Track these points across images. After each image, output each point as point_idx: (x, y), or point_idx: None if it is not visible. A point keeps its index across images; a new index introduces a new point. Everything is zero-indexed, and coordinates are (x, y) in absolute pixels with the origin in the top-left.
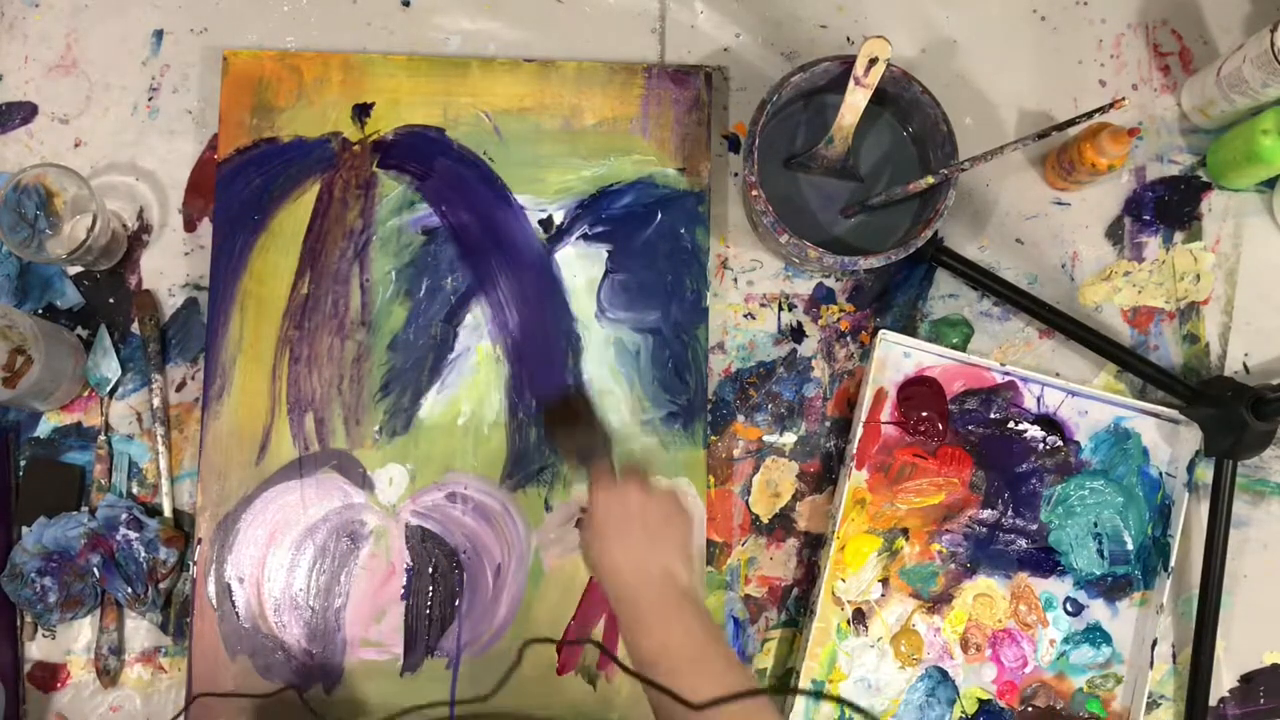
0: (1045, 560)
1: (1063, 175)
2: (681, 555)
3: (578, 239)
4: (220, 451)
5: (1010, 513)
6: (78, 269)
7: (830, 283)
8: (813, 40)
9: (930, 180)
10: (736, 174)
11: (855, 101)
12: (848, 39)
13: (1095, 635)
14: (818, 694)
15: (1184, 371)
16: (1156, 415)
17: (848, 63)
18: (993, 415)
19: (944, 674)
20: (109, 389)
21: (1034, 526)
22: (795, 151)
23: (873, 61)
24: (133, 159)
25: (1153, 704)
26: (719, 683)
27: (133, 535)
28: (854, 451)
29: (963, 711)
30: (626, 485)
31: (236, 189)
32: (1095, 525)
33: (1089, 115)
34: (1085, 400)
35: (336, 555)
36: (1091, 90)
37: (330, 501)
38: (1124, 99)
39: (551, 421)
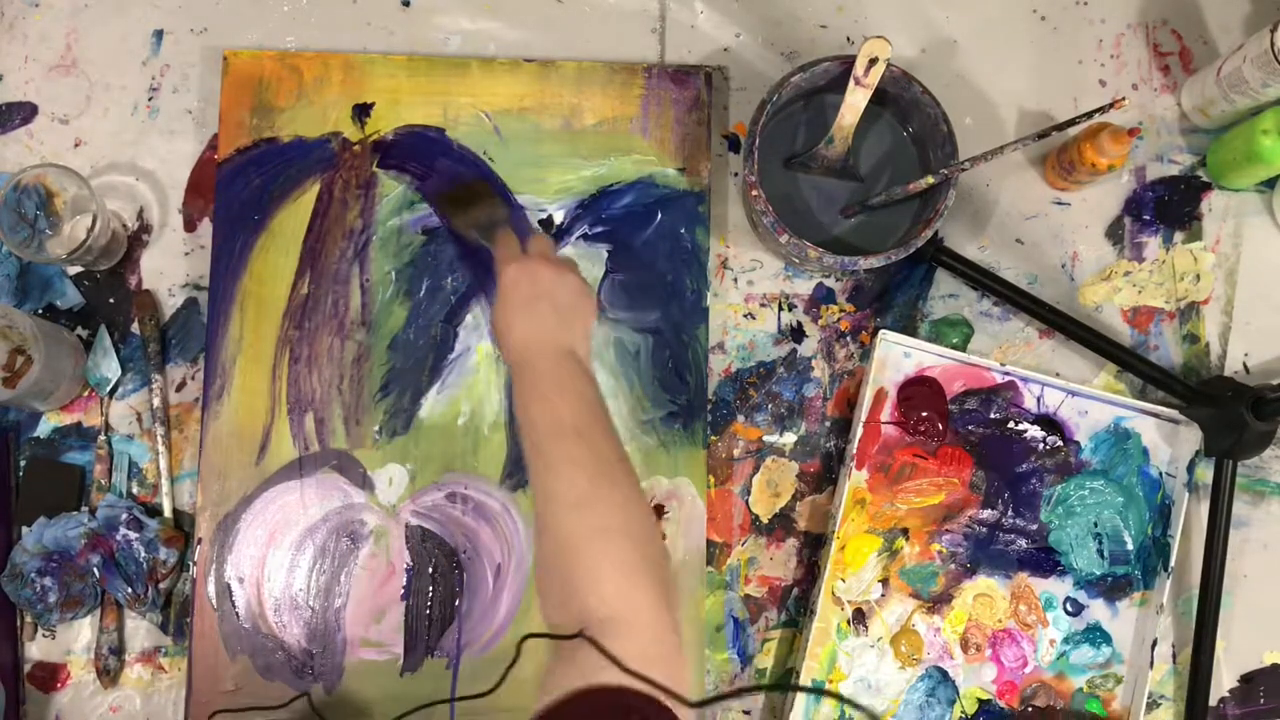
0: (1045, 560)
1: (1063, 175)
2: (584, 336)
3: (578, 239)
4: (220, 451)
5: (1010, 513)
6: (78, 269)
7: (830, 283)
8: (813, 40)
9: (930, 180)
10: (736, 174)
11: (855, 101)
12: (848, 39)
13: (1095, 635)
14: (818, 690)
15: (1184, 371)
16: (1156, 415)
17: (848, 63)
18: (993, 415)
19: (944, 674)
20: (109, 389)
21: (1034, 526)
22: (795, 151)
23: (873, 61)
24: (133, 159)
25: (1153, 704)
26: (600, 457)
27: (133, 535)
28: (854, 451)
29: (963, 711)
30: (536, 261)
31: (236, 189)
32: (1095, 525)
33: (1089, 115)
34: (1085, 400)
35: (336, 555)
36: (1091, 90)
37: (330, 501)
38: (1124, 99)
39: (450, 205)
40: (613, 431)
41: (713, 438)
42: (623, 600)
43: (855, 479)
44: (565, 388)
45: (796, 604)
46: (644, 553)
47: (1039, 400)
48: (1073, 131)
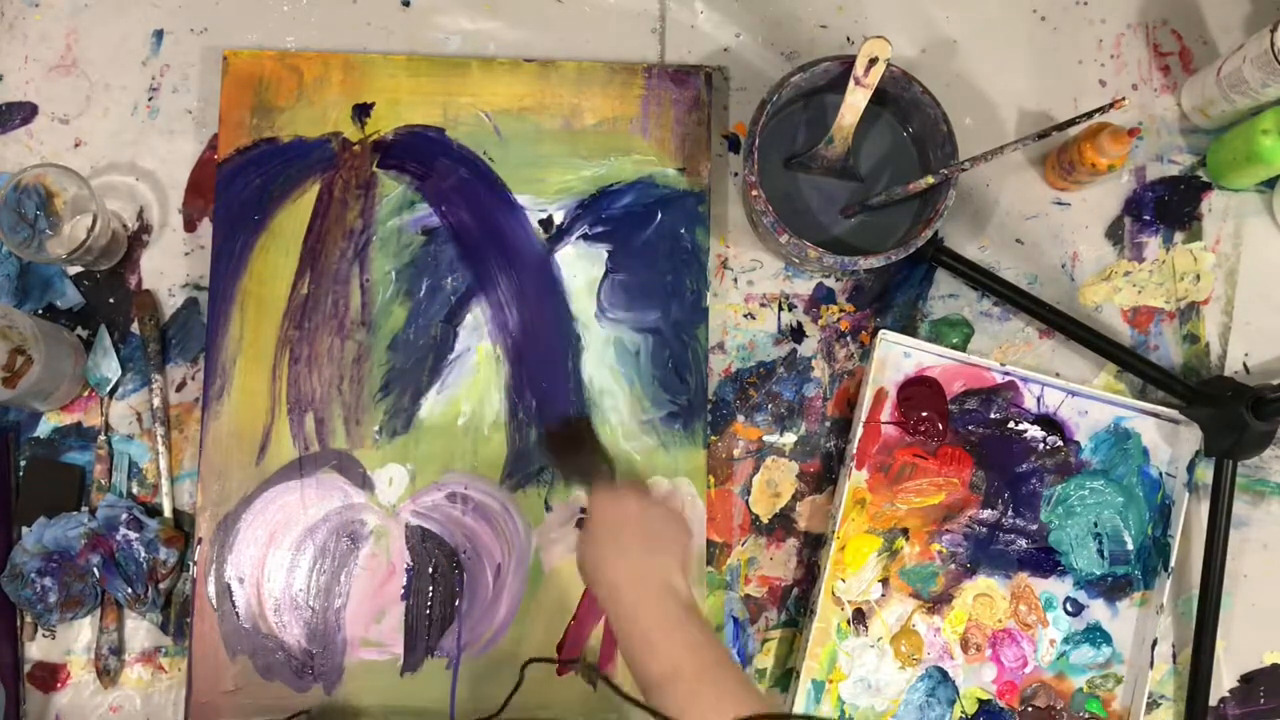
0: (1045, 560)
1: (1063, 175)
2: (680, 566)
3: (578, 239)
4: (220, 451)
5: (1010, 513)
6: (78, 269)
7: (830, 283)
8: (813, 40)
9: (930, 180)
10: (736, 174)
11: (855, 101)
12: (848, 39)
13: (1095, 635)
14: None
15: (1184, 371)
16: (1156, 415)
17: (848, 63)
18: (993, 415)
19: (944, 674)
20: (109, 389)
21: (1034, 526)
22: (795, 151)
23: (873, 61)
24: (133, 159)
25: (1153, 704)
26: (737, 702)
27: (133, 535)
28: (854, 451)
29: (963, 711)
30: (624, 493)
31: (236, 189)
32: (1095, 525)
33: (1089, 115)
34: (1085, 400)
35: (336, 555)
36: (1091, 90)
37: (330, 501)
38: (1124, 99)
39: (554, 446)
40: (743, 675)
41: (713, 438)
42: None
43: (855, 479)
44: (675, 639)
45: (796, 604)
46: None
47: (1039, 400)
48: (1073, 131)
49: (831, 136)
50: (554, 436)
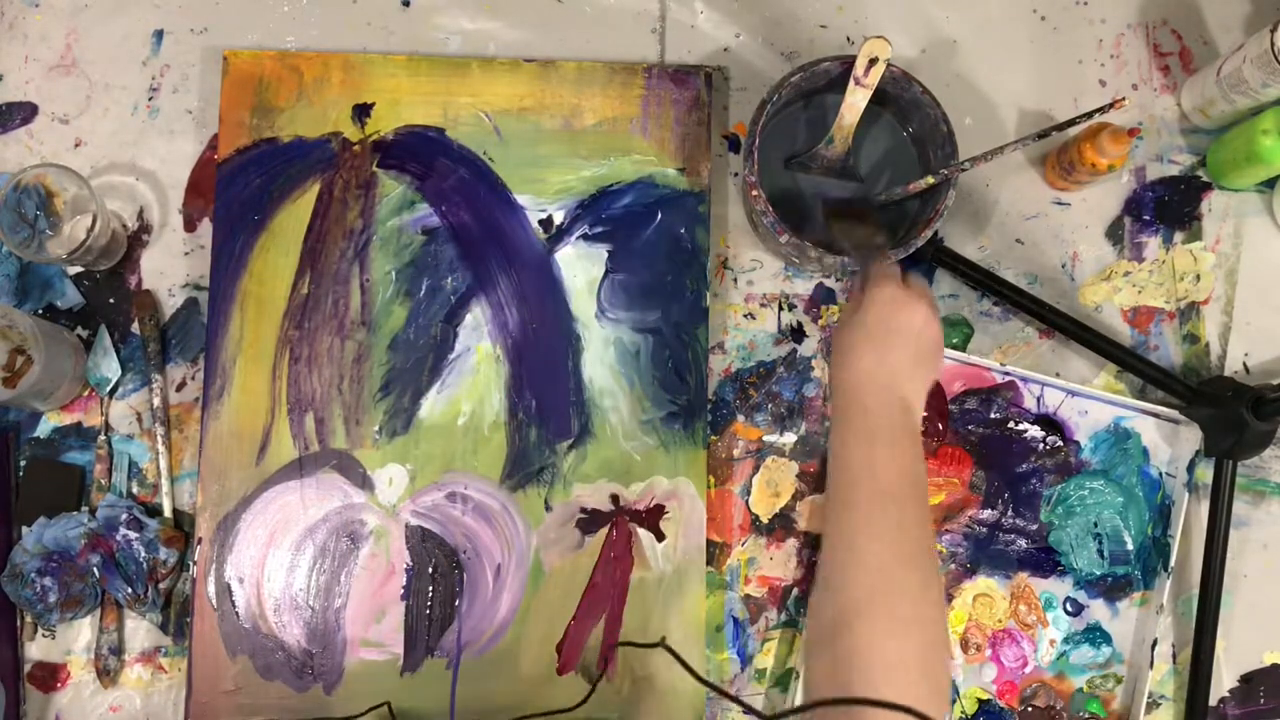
0: (1045, 560)
1: (1063, 175)
2: (920, 394)
3: (578, 239)
4: (220, 451)
5: (1010, 513)
6: (78, 269)
7: (830, 283)
8: (813, 40)
9: (930, 180)
10: (736, 174)
11: (855, 101)
12: (848, 39)
13: (1095, 635)
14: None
15: (1184, 371)
16: (1156, 415)
17: (848, 63)
18: (993, 415)
19: None
20: (109, 389)
21: (1034, 526)
22: (795, 151)
23: (873, 61)
24: (133, 159)
25: (1153, 704)
26: (907, 536)
27: (133, 535)
28: None
29: (963, 711)
30: (916, 297)
31: (236, 189)
32: (1095, 525)
33: (1089, 115)
34: (1085, 400)
35: (336, 555)
36: (1091, 90)
37: (330, 501)
38: (1124, 99)
39: (837, 218)
40: (927, 516)
41: (713, 438)
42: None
43: None
44: (898, 444)
45: (796, 604)
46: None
47: (1039, 400)
48: (1072, 131)
49: (831, 136)
50: (834, 213)
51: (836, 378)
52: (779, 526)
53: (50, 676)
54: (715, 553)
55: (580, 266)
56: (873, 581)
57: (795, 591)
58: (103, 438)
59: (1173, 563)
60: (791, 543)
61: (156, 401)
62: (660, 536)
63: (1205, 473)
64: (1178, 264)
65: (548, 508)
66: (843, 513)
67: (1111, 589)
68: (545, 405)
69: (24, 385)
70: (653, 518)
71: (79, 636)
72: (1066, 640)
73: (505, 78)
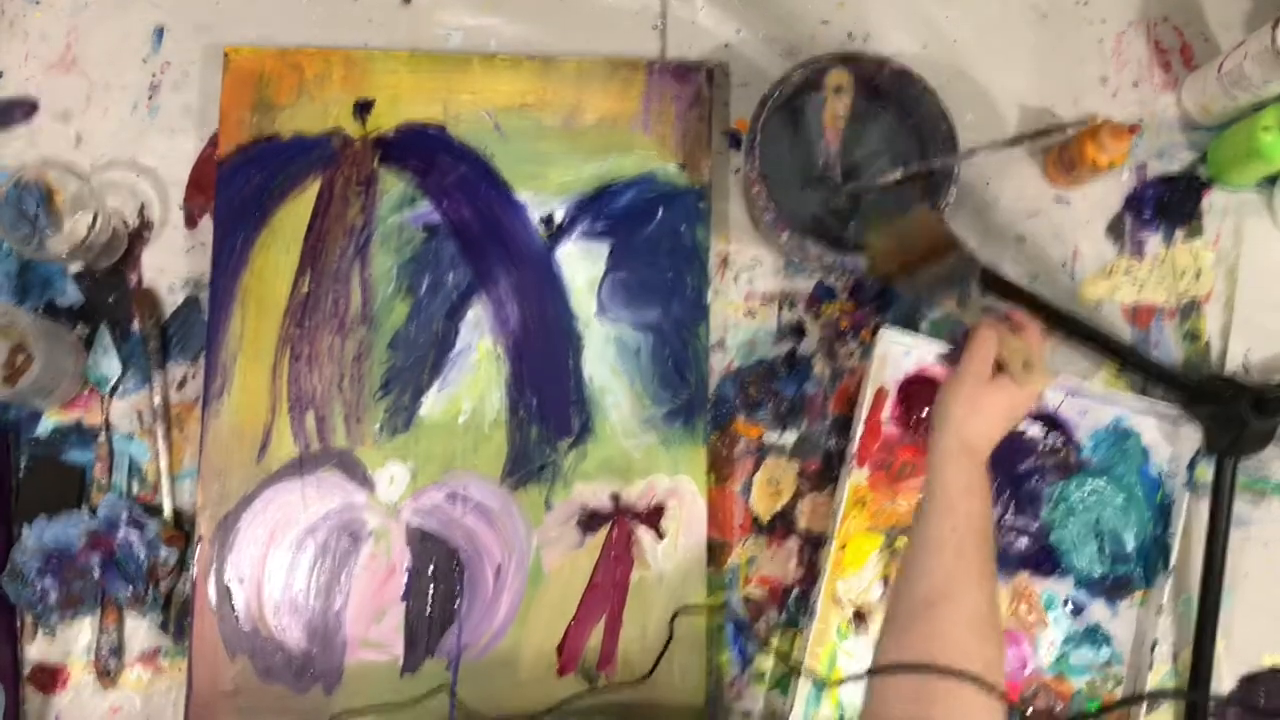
0: (1046, 560)
1: (1063, 172)
2: (989, 446)
3: (579, 236)
4: (221, 450)
5: (1011, 512)
6: (78, 267)
7: (831, 280)
8: (813, 36)
9: (899, 174)
10: (738, 171)
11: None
12: (849, 35)
13: (1095, 635)
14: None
15: (1184, 369)
16: (1157, 414)
17: (849, 60)
18: None
19: None
20: (109, 387)
21: (1035, 526)
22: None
23: (838, 90)
24: (133, 156)
25: (1153, 704)
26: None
27: (133, 535)
28: (855, 450)
29: None
30: (1039, 382)
31: (237, 186)
32: (1096, 525)
33: (1062, 129)
34: (1085, 399)
35: (337, 555)
36: (1092, 88)
37: (331, 501)
38: (1098, 116)
39: (901, 254)
40: (993, 573)
41: (713, 436)
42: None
43: (856, 477)
44: (981, 495)
45: (796, 604)
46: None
47: (1039, 399)
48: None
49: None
50: (890, 236)
51: (934, 433)
52: (779, 526)
53: (50, 677)
54: (715, 552)
55: (581, 264)
56: (949, 572)
57: (795, 591)
58: (103, 437)
59: (1173, 562)
60: (792, 542)
61: (157, 400)
62: (660, 535)
63: (1205, 472)
64: (1178, 261)
65: (548, 506)
66: (934, 555)
67: (1112, 589)
68: (546, 403)
69: (24, 383)
70: (653, 517)
71: (79, 637)
72: (1066, 641)
73: (506, 74)
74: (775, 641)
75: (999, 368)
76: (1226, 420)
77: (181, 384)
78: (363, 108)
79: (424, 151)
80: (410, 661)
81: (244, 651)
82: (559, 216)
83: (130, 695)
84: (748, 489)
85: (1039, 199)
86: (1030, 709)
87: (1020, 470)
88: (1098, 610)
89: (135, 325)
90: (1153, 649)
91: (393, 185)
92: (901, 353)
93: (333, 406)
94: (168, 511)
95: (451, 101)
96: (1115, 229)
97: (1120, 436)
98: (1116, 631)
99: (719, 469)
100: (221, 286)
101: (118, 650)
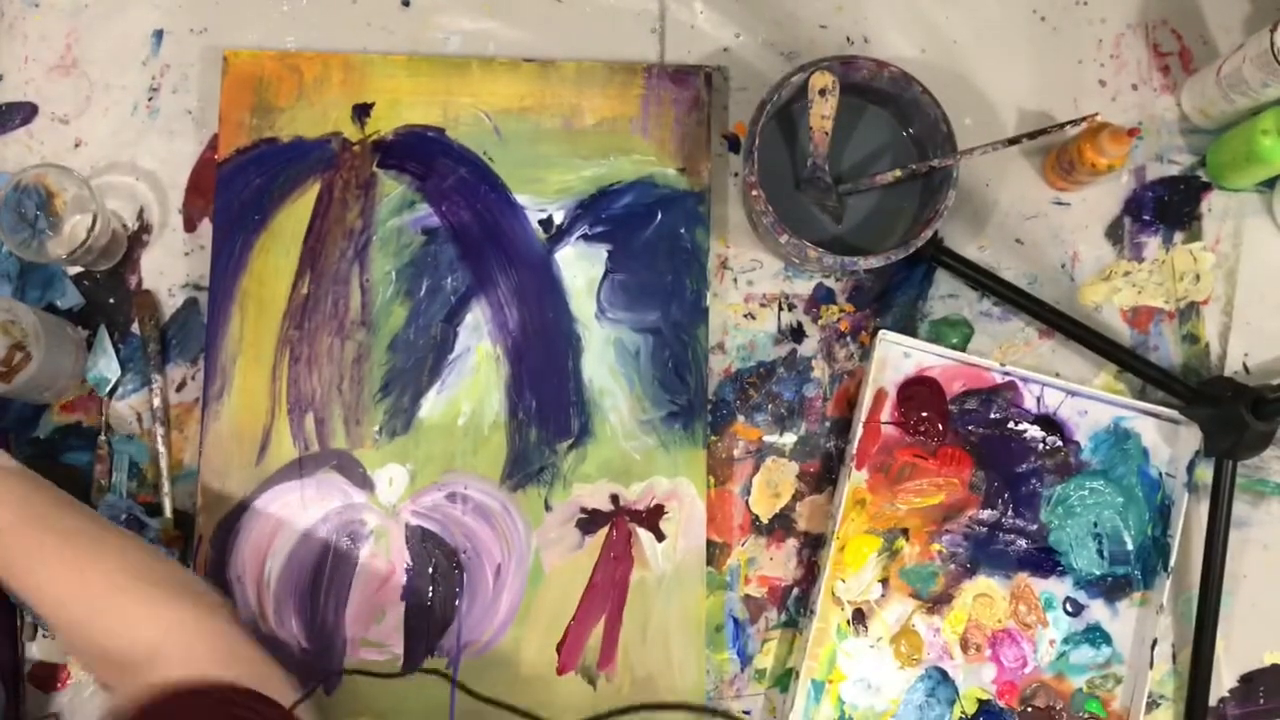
0: (1045, 560)
1: (1062, 175)
2: None
3: (578, 239)
4: (220, 452)
5: (1010, 513)
6: (78, 269)
7: (830, 283)
8: (812, 40)
9: (897, 174)
10: (736, 174)
11: (822, 124)
12: (847, 39)
13: (1095, 635)
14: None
15: (1184, 371)
16: (1156, 415)
17: (848, 64)
18: (993, 415)
19: (944, 674)
20: (109, 389)
21: (1034, 526)
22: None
23: (822, 92)
24: (133, 159)
25: (1153, 704)
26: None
27: None
28: (854, 452)
29: (962, 712)
30: None
31: (236, 189)
32: (1095, 525)
33: (1060, 127)
34: (1085, 400)
35: (336, 555)
36: (1091, 90)
37: (330, 501)
38: (1097, 114)
39: None
40: None
41: (713, 438)
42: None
43: (855, 479)
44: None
45: (796, 604)
46: None
47: (1039, 400)
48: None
49: (813, 159)
50: None
51: None
52: (779, 526)
53: (50, 676)
54: (715, 553)
55: (580, 266)
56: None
57: (795, 591)
58: (103, 438)
59: (1173, 563)
60: (791, 543)
61: (156, 401)
62: (660, 536)
63: (1205, 473)
64: (1177, 264)
65: (548, 508)
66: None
67: (1111, 589)
68: (545, 405)
69: (19, 381)
70: (653, 518)
71: None
72: (1066, 640)
73: (505, 77)
74: (775, 642)
75: None
76: (1226, 422)
77: (181, 386)
78: (362, 111)
79: (423, 155)
80: (410, 661)
81: None
82: (558, 219)
83: None
84: (747, 490)
85: (1038, 202)
86: (1030, 708)
87: (1019, 471)
88: (1097, 610)
89: (135, 327)
90: (1153, 649)
91: (392, 188)
92: (901, 355)
93: (332, 408)
94: (168, 512)
95: (450, 105)
96: (1114, 232)
97: (1120, 437)
98: (1116, 631)
99: (718, 471)
100: (221, 289)
101: None
